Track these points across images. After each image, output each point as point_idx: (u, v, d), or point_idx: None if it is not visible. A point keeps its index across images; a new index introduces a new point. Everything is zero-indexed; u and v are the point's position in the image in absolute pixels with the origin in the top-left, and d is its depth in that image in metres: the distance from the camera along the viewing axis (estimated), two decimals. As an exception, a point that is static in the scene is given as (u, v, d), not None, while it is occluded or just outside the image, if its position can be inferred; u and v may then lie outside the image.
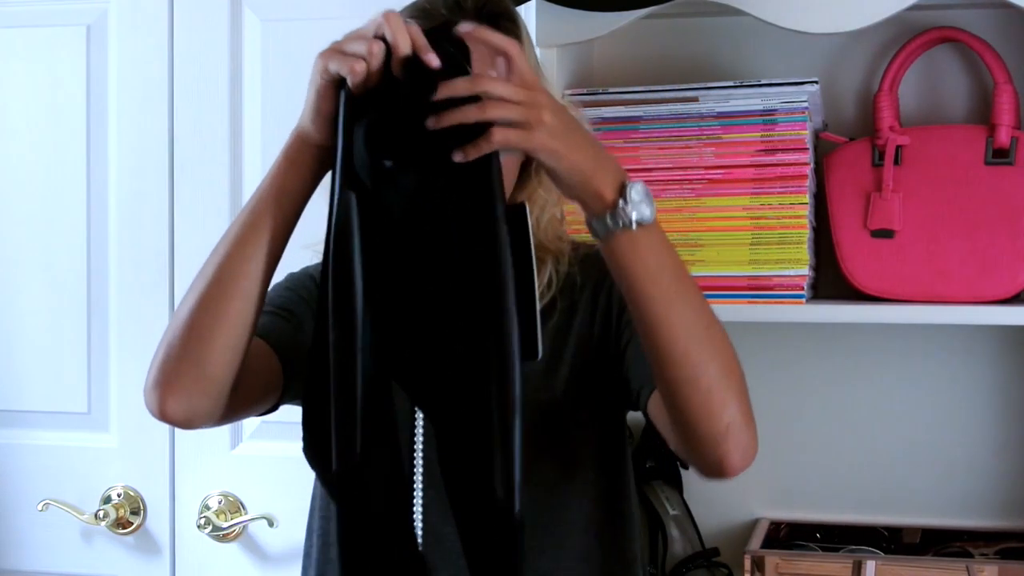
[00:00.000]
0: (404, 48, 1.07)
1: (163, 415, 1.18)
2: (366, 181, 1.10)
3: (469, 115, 1.05)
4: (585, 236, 1.32)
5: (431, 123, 1.06)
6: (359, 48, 1.08)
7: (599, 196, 1.10)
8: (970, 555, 1.74)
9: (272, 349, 1.28)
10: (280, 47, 1.97)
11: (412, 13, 1.34)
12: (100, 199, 2.03)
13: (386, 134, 1.09)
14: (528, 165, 1.38)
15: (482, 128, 1.06)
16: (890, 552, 1.79)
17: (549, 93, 1.10)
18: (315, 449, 1.11)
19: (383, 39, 1.08)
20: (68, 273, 2.04)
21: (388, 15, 1.09)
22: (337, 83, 1.10)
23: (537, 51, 1.48)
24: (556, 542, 1.35)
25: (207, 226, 1.98)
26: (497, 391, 1.04)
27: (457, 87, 1.06)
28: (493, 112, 1.05)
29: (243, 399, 1.23)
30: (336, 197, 1.10)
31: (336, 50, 1.10)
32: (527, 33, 1.37)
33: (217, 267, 1.17)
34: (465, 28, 1.10)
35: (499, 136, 1.05)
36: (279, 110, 1.96)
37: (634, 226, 1.10)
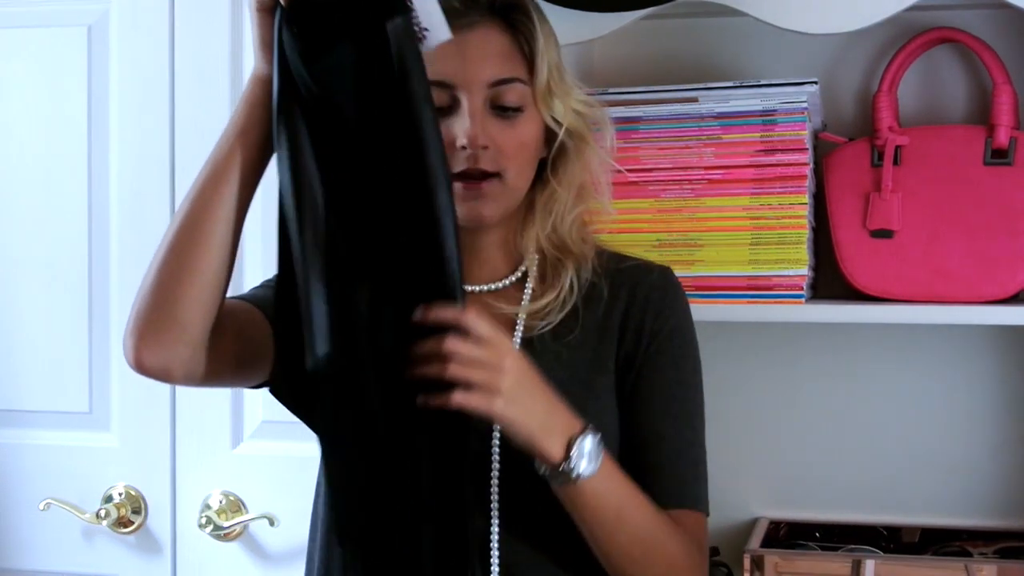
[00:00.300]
0: None
1: (138, 365, 1.20)
2: (312, 87, 1.14)
3: (432, 372, 1.14)
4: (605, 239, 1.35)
5: (421, 399, 1.15)
6: None
7: (544, 456, 1.21)
8: (969, 554, 1.74)
9: (265, 317, 1.29)
10: (280, 47, 1.96)
11: None
12: (101, 199, 2.03)
13: (313, 29, 1.13)
14: (545, 163, 1.39)
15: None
16: (889, 551, 1.79)
17: (511, 351, 1.18)
18: (286, 367, 1.17)
19: None
20: (69, 273, 2.04)
21: None
22: (270, 8, 1.15)
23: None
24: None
25: (208, 226, 1.98)
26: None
27: (427, 347, 1.15)
28: (454, 373, 1.14)
29: (233, 362, 1.24)
30: (277, 114, 1.15)
31: None
32: (549, 28, 1.37)
33: (186, 213, 1.19)
34: (417, 315, 1.16)
35: (459, 398, 1.15)
36: (279, 110, 1.96)
37: (577, 481, 1.21)
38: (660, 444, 1.35)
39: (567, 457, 1.20)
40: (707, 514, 1.38)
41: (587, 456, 1.21)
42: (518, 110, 1.33)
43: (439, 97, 1.30)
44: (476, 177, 1.31)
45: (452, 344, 1.15)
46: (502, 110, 1.32)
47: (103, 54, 2.03)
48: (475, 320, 1.17)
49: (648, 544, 1.27)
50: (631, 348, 1.37)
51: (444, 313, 1.16)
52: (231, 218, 1.19)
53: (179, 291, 1.18)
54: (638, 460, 1.35)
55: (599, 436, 1.23)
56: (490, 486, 1.31)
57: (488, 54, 1.32)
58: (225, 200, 1.19)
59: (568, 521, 1.29)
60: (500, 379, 1.16)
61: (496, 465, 1.31)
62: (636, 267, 1.42)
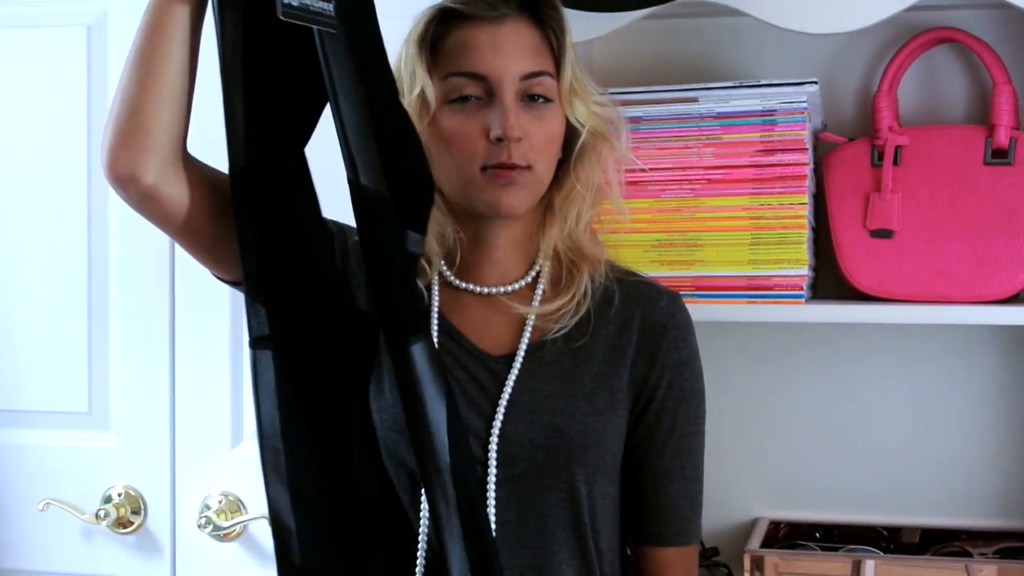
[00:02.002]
0: None
1: (110, 171, 1.21)
2: None
3: None
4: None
5: None
6: None
7: None
8: (969, 555, 1.74)
9: None
10: (280, 47, 1.96)
11: (460, 1, 1.35)
12: (101, 199, 2.03)
13: None
14: (565, 162, 1.39)
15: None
16: (889, 552, 1.79)
17: None
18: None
19: None
20: (69, 273, 2.04)
21: None
22: None
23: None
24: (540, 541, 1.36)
25: (207, 226, 1.98)
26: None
27: None
28: None
29: (206, 207, 1.24)
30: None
31: None
32: (568, 25, 1.38)
33: (146, 21, 1.21)
34: None
35: None
36: (279, 110, 1.96)
37: None
38: (667, 484, 1.38)
39: None
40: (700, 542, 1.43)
41: None
42: (548, 101, 1.34)
43: (474, 89, 1.32)
44: (509, 170, 1.32)
45: None
46: (532, 99, 1.33)
47: (103, 54, 2.02)
48: None
49: None
50: (643, 377, 1.37)
51: None
52: (186, 25, 1.20)
53: (143, 97, 1.20)
54: (643, 495, 1.39)
55: None
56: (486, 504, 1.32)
57: (520, 47, 1.33)
58: (180, 6, 1.20)
59: (564, 539, 1.31)
60: None
61: (493, 485, 1.32)
62: (646, 286, 1.42)
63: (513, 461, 1.31)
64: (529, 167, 1.32)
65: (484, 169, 1.32)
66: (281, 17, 1.13)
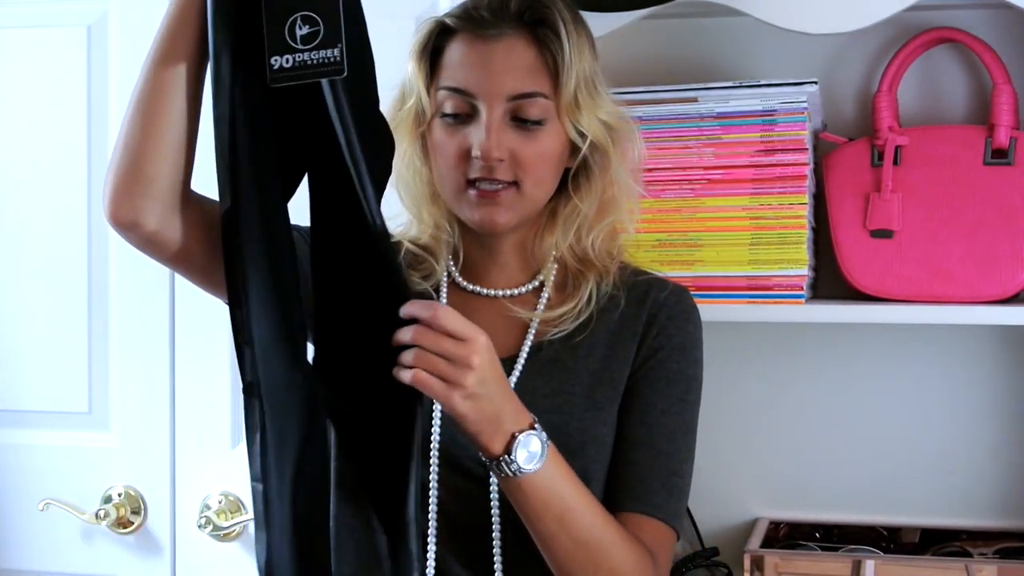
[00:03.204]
0: None
1: (112, 217, 1.23)
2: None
3: (404, 359, 1.16)
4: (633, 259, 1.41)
5: (401, 376, 1.16)
6: None
7: (485, 449, 1.21)
8: (969, 555, 1.74)
9: None
10: (280, 47, 1.96)
11: (457, 13, 1.35)
12: (100, 199, 2.02)
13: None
14: (567, 176, 1.38)
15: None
16: (889, 552, 1.79)
17: (482, 349, 1.18)
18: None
19: None
20: (69, 273, 2.04)
21: None
22: None
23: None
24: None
25: (207, 226, 1.98)
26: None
27: (401, 337, 1.16)
28: (420, 363, 1.16)
29: (202, 240, 1.25)
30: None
31: None
32: (584, 38, 1.36)
33: (147, 67, 1.21)
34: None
35: (422, 377, 1.16)
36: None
37: (517, 474, 1.21)
38: (633, 450, 1.35)
39: (508, 451, 1.20)
40: (675, 530, 1.36)
41: (530, 453, 1.21)
42: (539, 123, 1.32)
43: (459, 105, 1.31)
44: (491, 186, 1.32)
45: (420, 334, 1.16)
46: (522, 123, 1.32)
47: (103, 54, 2.02)
48: (447, 315, 1.17)
49: (591, 550, 1.26)
50: (637, 364, 1.38)
51: (416, 308, 1.17)
52: (194, 70, 1.20)
53: (146, 145, 1.20)
54: (613, 463, 1.36)
55: (545, 436, 1.23)
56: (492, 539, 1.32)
57: (511, 67, 1.32)
58: (184, 51, 1.19)
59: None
60: (465, 376, 1.17)
61: (495, 485, 1.32)
62: (651, 281, 1.42)
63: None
64: (515, 183, 1.32)
65: (470, 183, 1.32)
66: (271, 84, 1.13)
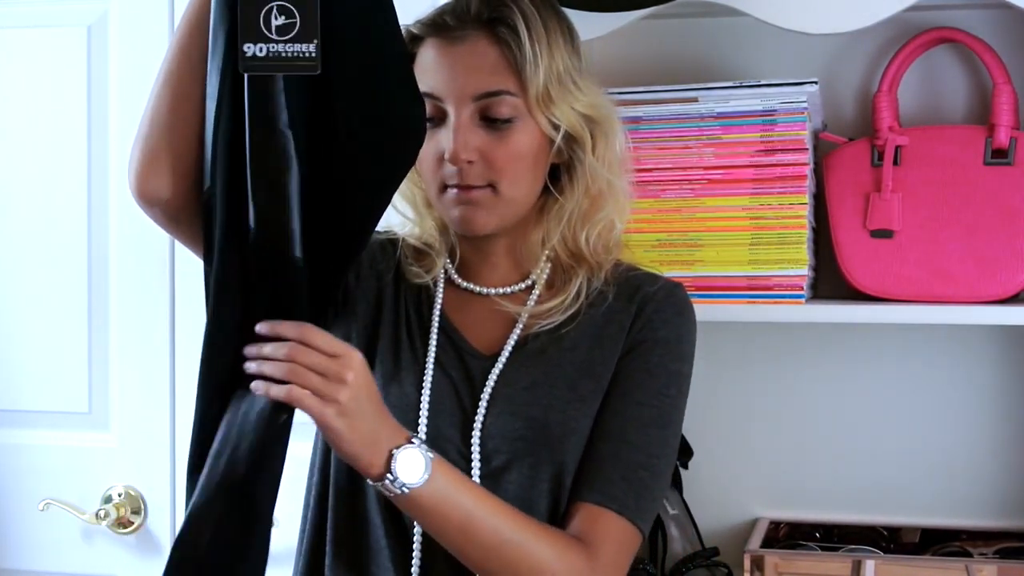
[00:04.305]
0: None
1: (138, 190, 1.25)
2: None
3: (274, 371, 1.16)
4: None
5: (250, 367, 1.18)
6: None
7: (365, 469, 1.21)
8: (969, 555, 1.74)
9: None
10: (280, 47, 1.96)
11: (425, 20, 1.35)
12: (101, 199, 2.03)
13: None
14: (557, 169, 1.38)
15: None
16: (889, 552, 1.79)
17: (356, 365, 1.18)
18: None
19: None
20: (69, 273, 2.04)
21: None
22: None
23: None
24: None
25: (207, 226, 1.98)
26: None
27: (274, 351, 1.17)
28: (293, 377, 1.16)
29: None
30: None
31: None
32: (555, 31, 1.34)
33: (176, 42, 1.22)
34: (260, 328, 1.19)
35: (296, 394, 1.16)
36: (279, 110, 1.96)
37: (404, 491, 1.21)
38: (602, 440, 1.32)
39: (388, 468, 1.20)
40: (635, 525, 1.31)
41: (412, 467, 1.21)
42: (508, 121, 1.32)
43: (431, 109, 1.32)
44: (465, 189, 1.32)
45: (295, 351, 1.16)
46: (491, 122, 1.32)
47: (103, 54, 2.03)
48: (316, 333, 1.18)
49: (503, 553, 1.25)
50: (620, 357, 1.36)
51: (284, 328, 1.18)
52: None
53: (173, 121, 1.22)
54: (583, 455, 1.33)
55: (427, 449, 1.22)
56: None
57: (475, 67, 1.31)
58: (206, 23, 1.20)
59: None
60: (339, 391, 1.17)
61: (476, 478, 1.32)
62: (643, 276, 1.42)
63: (495, 455, 1.32)
64: (491, 186, 1.32)
65: (446, 188, 1.33)
66: (242, 71, 1.12)
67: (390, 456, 1.20)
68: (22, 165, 2.06)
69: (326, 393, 1.16)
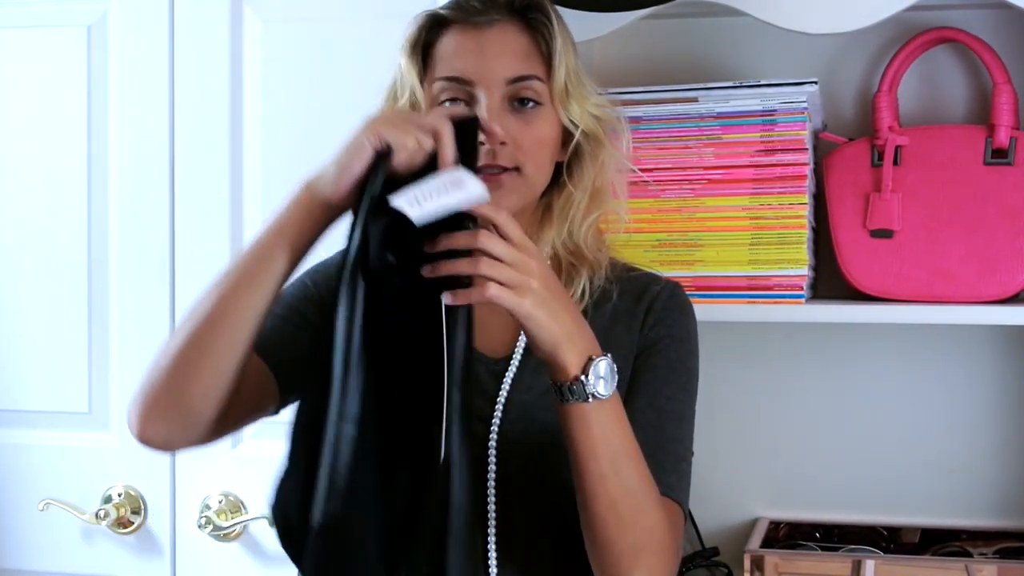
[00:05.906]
0: (447, 159, 1.15)
1: (142, 437, 1.22)
2: (372, 267, 1.14)
3: (462, 268, 1.13)
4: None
5: (426, 272, 1.14)
6: (418, 132, 1.15)
7: (564, 368, 1.18)
8: (969, 555, 1.74)
9: (267, 366, 1.29)
10: (281, 48, 1.97)
11: (449, 5, 1.35)
12: (101, 199, 2.03)
13: (398, 234, 1.13)
14: (561, 167, 1.39)
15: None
16: (889, 552, 1.79)
17: (540, 258, 1.17)
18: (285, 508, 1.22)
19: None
20: (69, 273, 2.04)
21: (444, 126, 1.16)
22: (378, 152, 1.14)
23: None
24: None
25: (207, 226, 1.98)
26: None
27: (457, 240, 1.13)
28: (486, 269, 1.13)
29: (232, 423, 1.25)
30: (349, 275, 1.13)
31: (394, 124, 1.15)
32: (567, 31, 1.37)
33: (212, 306, 1.18)
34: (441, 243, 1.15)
35: (493, 291, 1.13)
36: (280, 110, 1.96)
37: (589, 400, 1.18)
38: (644, 432, 1.31)
39: (585, 372, 1.17)
40: (685, 510, 1.35)
41: (604, 378, 1.18)
42: (537, 104, 1.33)
43: (459, 93, 1.32)
44: (495, 171, 1.32)
45: (484, 239, 1.13)
46: (521, 103, 1.33)
47: (103, 54, 2.03)
48: (508, 222, 1.15)
49: (634, 502, 1.22)
50: (638, 355, 1.37)
51: (487, 210, 1.15)
52: (254, 317, 1.18)
53: (192, 378, 1.18)
54: None
55: (615, 365, 1.21)
56: (487, 506, 1.31)
57: (506, 51, 1.33)
58: (254, 300, 1.18)
59: (563, 536, 1.28)
60: (530, 280, 1.14)
61: (492, 483, 1.31)
62: (645, 276, 1.43)
63: (512, 459, 1.31)
64: (517, 169, 1.32)
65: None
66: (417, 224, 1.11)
67: (589, 360, 1.18)
68: (22, 165, 2.06)
69: (520, 283, 1.14)
